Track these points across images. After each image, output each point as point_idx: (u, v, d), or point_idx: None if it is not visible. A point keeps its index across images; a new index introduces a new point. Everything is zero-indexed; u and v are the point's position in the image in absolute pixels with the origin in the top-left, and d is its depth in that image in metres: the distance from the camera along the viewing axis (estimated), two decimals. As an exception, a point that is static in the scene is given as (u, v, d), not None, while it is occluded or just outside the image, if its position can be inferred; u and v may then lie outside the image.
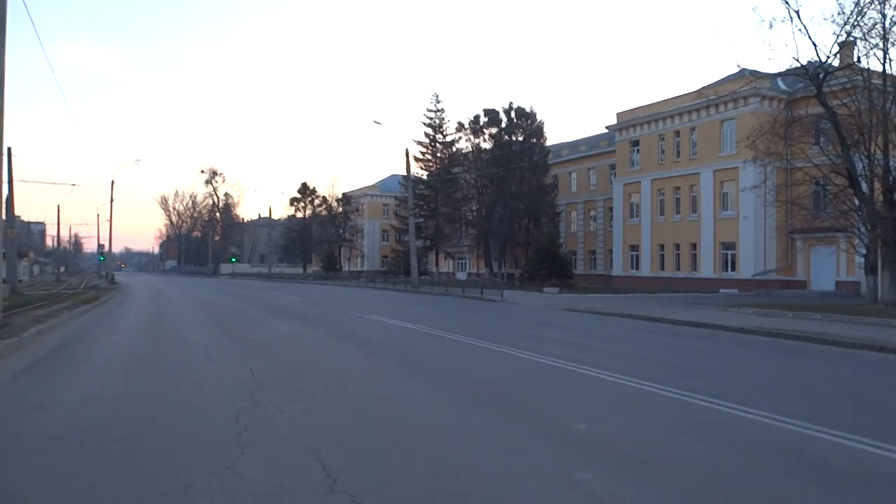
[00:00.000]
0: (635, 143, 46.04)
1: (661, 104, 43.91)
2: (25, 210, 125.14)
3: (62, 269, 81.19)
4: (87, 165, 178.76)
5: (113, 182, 53.87)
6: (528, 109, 54.74)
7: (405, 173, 47.14)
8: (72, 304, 24.05)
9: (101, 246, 70.48)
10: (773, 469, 4.84)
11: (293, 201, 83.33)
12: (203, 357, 10.83)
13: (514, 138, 54.50)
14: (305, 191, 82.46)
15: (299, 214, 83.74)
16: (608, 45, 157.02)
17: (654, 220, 44.14)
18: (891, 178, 22.46)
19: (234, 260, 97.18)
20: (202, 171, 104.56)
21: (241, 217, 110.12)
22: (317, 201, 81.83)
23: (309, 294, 35.34)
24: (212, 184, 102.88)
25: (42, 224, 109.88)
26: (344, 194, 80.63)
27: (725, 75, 40.15)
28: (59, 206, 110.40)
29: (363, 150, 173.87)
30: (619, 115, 47.34)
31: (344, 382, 8.45)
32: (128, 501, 4.20)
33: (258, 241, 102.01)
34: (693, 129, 41.59)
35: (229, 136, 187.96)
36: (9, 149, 33.38)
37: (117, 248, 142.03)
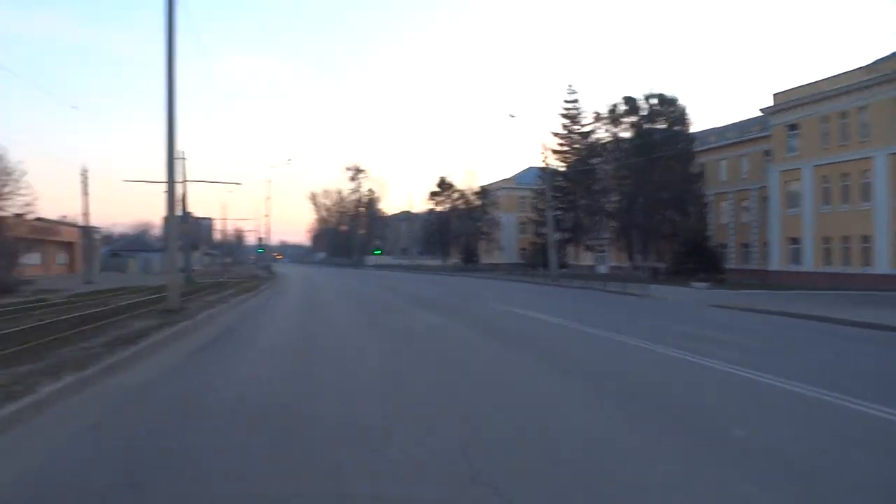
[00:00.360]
0: (793, 126, 42.32)
1: (824, 82, 39.98)
2: (196, 207, 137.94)
3: (228, 260, 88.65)
4: (246, 166, 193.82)
5: (269, 180, 58.06)
6: (668, 96, 52.11)
7: (542, 165, 46.65)
8: (236, 292, 26.20)
9: (259, 239, 76.60)
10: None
11: (432, 195, 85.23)
12: (352, 344, 11.34)
13: (655, 126, 52.17)
14: (444, 185, 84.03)
15: (438, 208, 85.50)
16: (756, 22, 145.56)
17: (818, 211, 40.35)
18: None
19: (377, 252, 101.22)
20: (347, 169, 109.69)
21: (384, 211, 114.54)
22: (455, 195, 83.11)
23: (448, 285, 36.02)
24: (356, 180, 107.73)
25: (210, 219, 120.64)
26: (481, 188, 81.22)
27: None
28: (223, 203, 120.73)
29: (499, 144, 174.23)
30: (775, 96, 43.73)
31: (486, 373, 8.48)
32: (284, 470, 4.49)
33: (400, 233, 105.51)
34: (863, 108, 37.49)
35: (371, 134, 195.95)
36: (183, 153, 37.04)
37: (274, 240, 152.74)
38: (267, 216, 78.03)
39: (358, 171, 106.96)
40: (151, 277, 44.85)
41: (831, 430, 5.76)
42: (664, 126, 51.95)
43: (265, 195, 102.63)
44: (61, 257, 54.51)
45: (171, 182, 16.67)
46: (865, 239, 37.49)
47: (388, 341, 11.58)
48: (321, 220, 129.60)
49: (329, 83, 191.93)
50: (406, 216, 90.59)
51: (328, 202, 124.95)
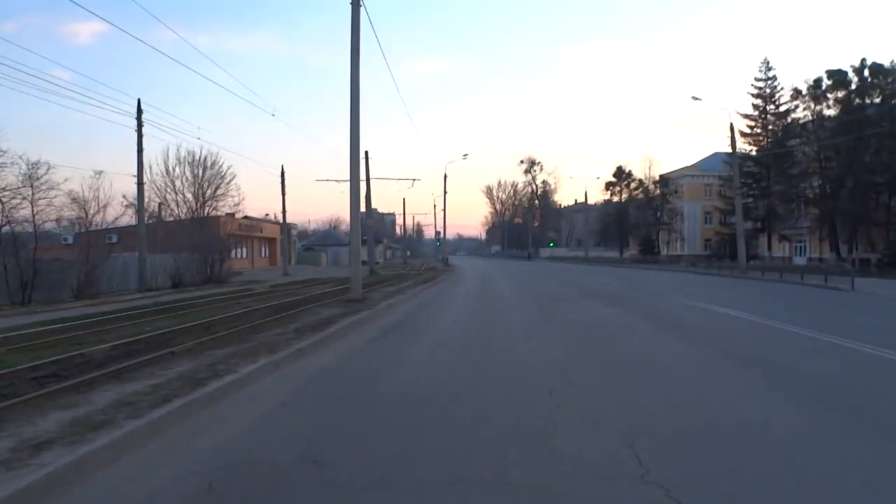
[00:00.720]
0: None
1: None
2: (380, 203, 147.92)
3: (408, 252, 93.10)
4: (425, 162, 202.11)
5: (445, 176, 59.71)
6: (887, 65, 45.81)
7: (729, 150, 43.31)
8: (414, 283, 27.39)
9: (437, 233, 79.66)
10: None
11: (608, 185, 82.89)
12: (521, 334, 11.33)
13: (867, 101, 46.22)
14: (621, 174, 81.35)
15: (615, 198, 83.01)
16: None
17: None
18: None
19: (552, 244, 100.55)
20: (521, 162, 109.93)
21: (559, 203, 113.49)
22: (633, 184, 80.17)
23: (625, 278, 34.77)
24: (530, 173, 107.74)
25: (392, 214, 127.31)
26: (661, 176, 77.39)
27: None
28: (404, 199, 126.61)
29: (681, 130, 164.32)
30: None
31: (655, 368, 8.03)
32: (451, 451, 4.59)
33: (574, 225, 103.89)
34: None
35: (545, 126, 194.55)
36: (366, 152, 39.38)
37: (451, 234, 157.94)
38: (443, 211, 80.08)
39: (532, 163, 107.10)
40: (340, 269, 48.36)
41: None
42: (879, 100, 45.98)
43: (442, 190, 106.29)
44: (264, 251, 60.65)
45: (354, 180, 17.76)
46: None
47: (557, 333, 11.40)
48: (496, 214, 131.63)
49: (502, 77, 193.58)
50: (581, 207, 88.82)
51: (503, 195, 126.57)
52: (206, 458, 4.60)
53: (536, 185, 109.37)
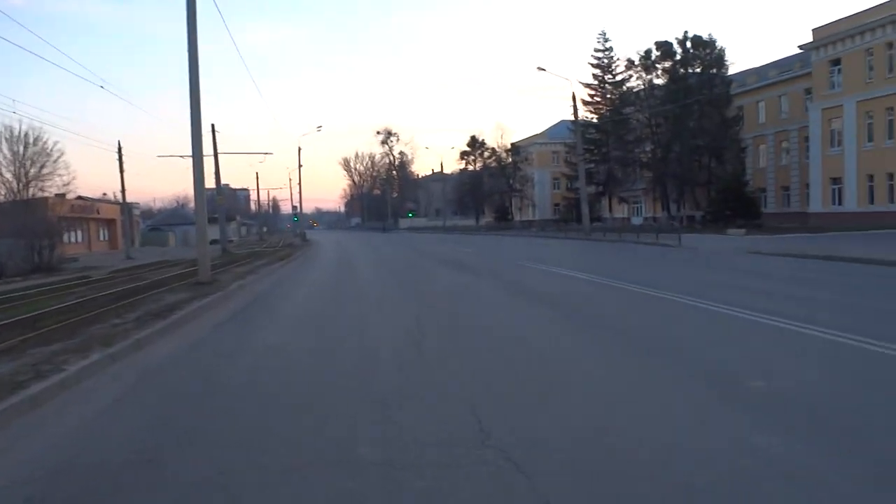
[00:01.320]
0: (836, 61, 40.45)
1: (867, 13, 37.98)
2: (231, 179, 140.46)
3: (264, 229, 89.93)
4: (279, 137, 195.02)
5: (300, 149, 58.23)
6: (705, 38, 50.31)
7: (573, 119, 45.70)
8: (270, 261, 26.54)
9: (294, 207, 77.25)
10: None
11: (463, 155, 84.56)
12: (375, 310, 11.36)
13: (690, 70, 50.50)
14: (475, 144, 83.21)
15: (470, 168, 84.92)
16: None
17: (861, 148, 38.79)
18: None
19: (411, 215, 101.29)
20: (378, 133, 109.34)
21: (416, 173, 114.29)
22: (486, 153, 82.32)
23: (479, 245, 35.90)
24: (387, 144, 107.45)
25: (246, 190, 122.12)
26: (513, 144, 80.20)
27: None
28: (257, 173, 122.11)
29: (530, 99, 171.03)
30: (814, 31, 41.75)
31: (505, 334, 8.40)
32: (296, 435, 4.50)
33: (432, 195, 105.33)
34: (910, 38, 35.55)
35: (400, 97, 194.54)
36: (212, 125, 37.24)
37: (308, 208, 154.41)
38: (299, 184, 78.09)
39: (389, 134, 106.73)
40: (189, 250, 45.72)
41: (854, 373, 5.56)
42: (700, 70, 50.31)
43: (297, 163, 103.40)
44: (103, 234, 55.99)
45: (196, 154, 16.75)
46: (912, 175, 35.92)
47: (412, 304, 11.56)
48: (354, 186, 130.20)
49: (353, 48, 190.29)
50: (439, 177, 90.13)
51: (360, 167, 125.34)
52: (23, 469, 4.19)
53: (394, 157, 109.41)
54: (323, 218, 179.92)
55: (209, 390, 6.20)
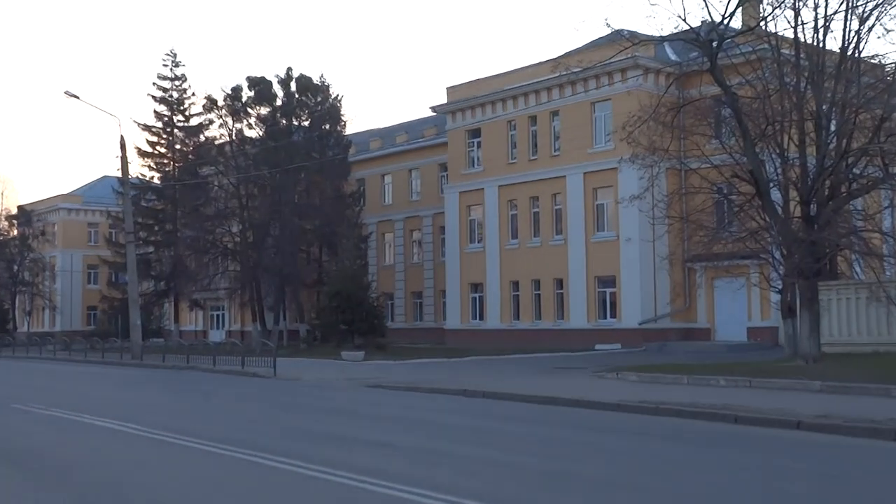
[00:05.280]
0: (475, 132, 46.98)
1: (508, 77, 45.31)
2: None
3: None
4: None
5: None
6: (316, 81, 53.61)
7: (121, 175, 44.86)
8: None
9: None
10: None
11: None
12: None
13: (296, 123, 53.66)
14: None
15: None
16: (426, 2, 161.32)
17: (504, 246, 45.13)
18: (808, 183, 23.61)
19: None
20: None
21: None
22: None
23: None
24: None
25: None
26: (20, 208, 75.38)
27: (595, 38, 41.28)
28: None
29: (56, 140, 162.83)
30: (449, 90, 48.24)
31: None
32: None
33: None
34: (555, 113, 43.29)
35: None
36: None
37: None
38: None
39: None
40: None
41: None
42: (308, 123, 53.23)
43: None
44: None
45: None
46: (559, 283, 43.03)
47: None
48: None
49: None
50: None
51: None
52: None
53: None
54: None
55: None
